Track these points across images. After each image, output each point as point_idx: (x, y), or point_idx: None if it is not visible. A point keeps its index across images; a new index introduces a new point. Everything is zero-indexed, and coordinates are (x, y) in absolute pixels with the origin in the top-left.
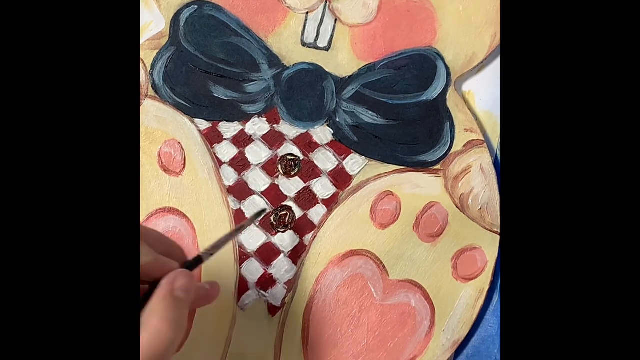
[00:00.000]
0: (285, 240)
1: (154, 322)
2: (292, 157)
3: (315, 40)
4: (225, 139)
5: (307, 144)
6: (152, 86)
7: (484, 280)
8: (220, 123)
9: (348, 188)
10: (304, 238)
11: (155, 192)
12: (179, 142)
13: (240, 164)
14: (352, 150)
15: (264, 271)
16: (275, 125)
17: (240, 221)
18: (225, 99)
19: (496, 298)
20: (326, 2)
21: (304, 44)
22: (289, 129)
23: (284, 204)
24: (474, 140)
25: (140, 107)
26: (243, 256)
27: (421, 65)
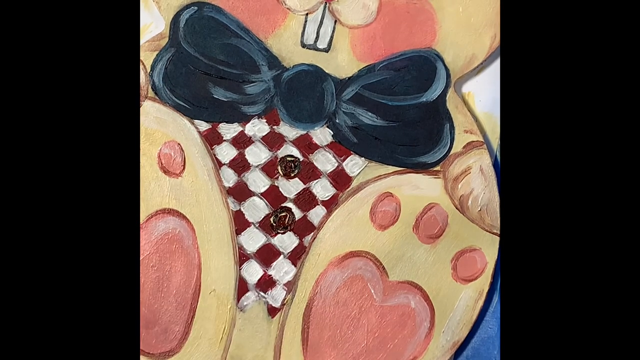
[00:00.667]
0: (284, 241)
1: None
2: (292, 159)
3: (315, 41)
4: (225, 140)
5: (306, 145)
6: (151, 87)
7: (484, 281)
8: (220, 124)
9: (348, 189)
10: (303, 239)
11: (155, 193)
12: (179, 144)
13: (240, 165)
14: (351, 152)
15: (263, 272)
16: (275, 127)
17: (239, 222)
18: (225, 100)
19: (496, 299)
20: (326, 3)
21: (303, 46)
22: (288, 131)
23: (283, 205)
24: (473, 141)
25: (140, 109)
26: (242, 257)
27: (421, 67)
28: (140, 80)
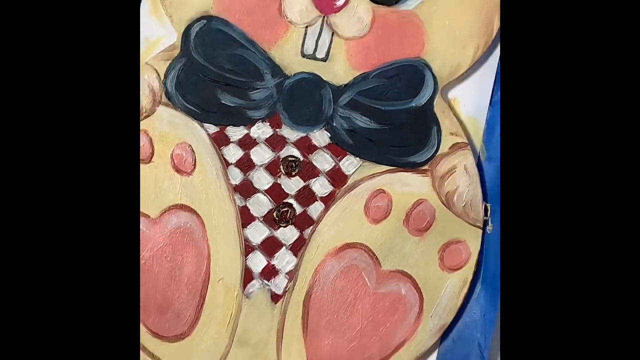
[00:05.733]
0: (286, 234)
1: None
2: (293, 159)
3: (314, 52)
4: (232, 142)
5: (306, 146)
6: (165, 94)
7: (468, 270)
8: (228, 127)
9: (344, 187)
10: (303, 232)
11: (168, 190)
12: (190, 145)
13: (245, 164)
14: (347, 152)
15: (267, 262)
16: (277, 130)
17: (245, 217)
18: (232, 105)
19: (479, 287)
20: (324, 17)
21: (303, 55)
22: (290, 133)
23: (285, 201)
24: (458, 143)
25: (154, 114)
26: (248, 249)
27: (410, 75)
28: (155, 88)
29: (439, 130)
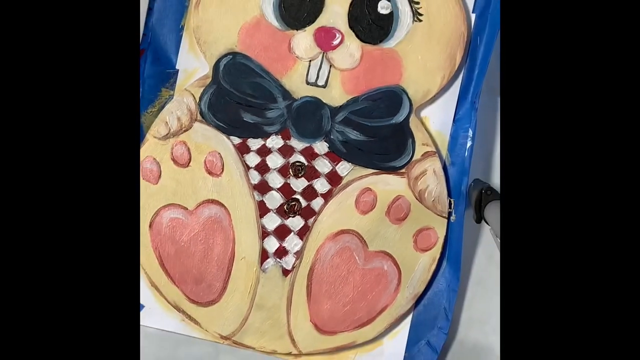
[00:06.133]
0: (294, 222)
1: None
2: (300, 164)
3: (316, 80)
4: (252, 151)
5: (310, 154)
6: (199, 113)
7: (436, 251)
8: (249, 139)
9: (339, 185)
10: (308, 221)
11: (202, 188)
12: (219, 153)
13: (262, 168)
14: (342, 159)
15: (279, 245)
16: (287, 141)
17: (262, 209)
18: (252, 122)
19: (444, 264)
20: (324, 53)
21: (307, 83)
22: (297, 144)
23: (293, 197)
24: (428, 151)
25: (192, 128)
26: (264, 234)
27: (391, 98)
28: (192, 108)
29: (414, 142)
